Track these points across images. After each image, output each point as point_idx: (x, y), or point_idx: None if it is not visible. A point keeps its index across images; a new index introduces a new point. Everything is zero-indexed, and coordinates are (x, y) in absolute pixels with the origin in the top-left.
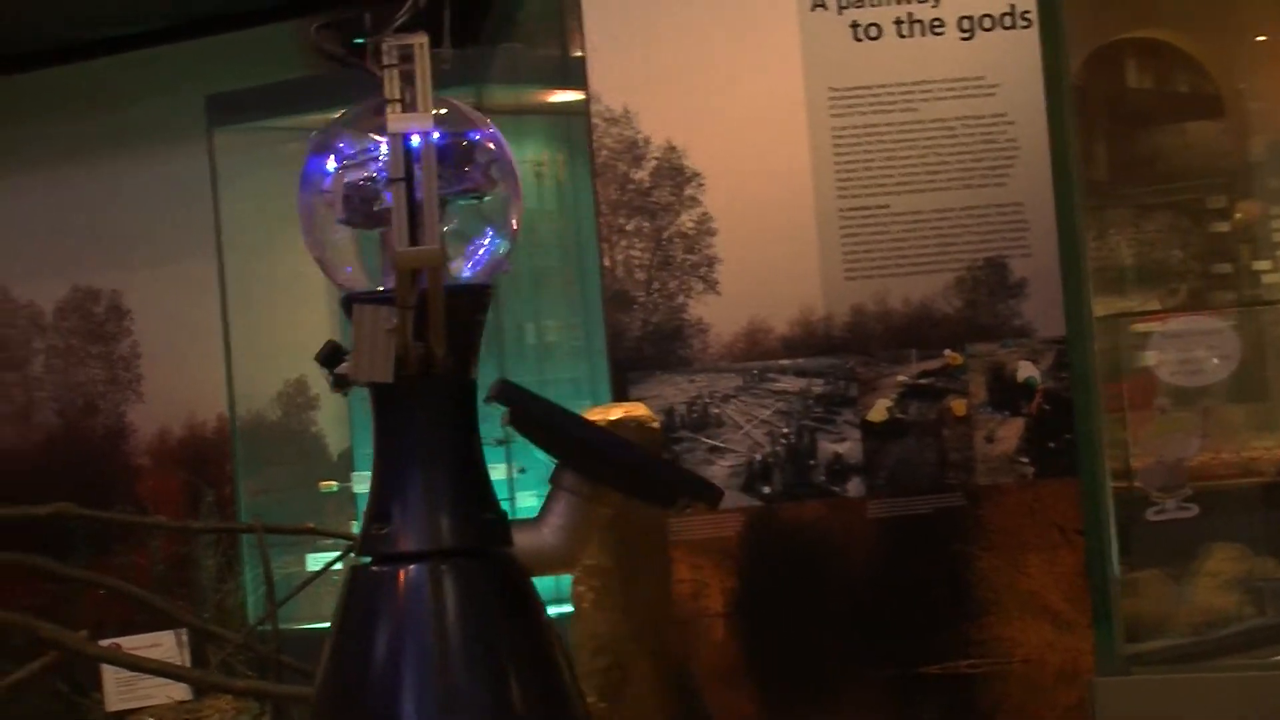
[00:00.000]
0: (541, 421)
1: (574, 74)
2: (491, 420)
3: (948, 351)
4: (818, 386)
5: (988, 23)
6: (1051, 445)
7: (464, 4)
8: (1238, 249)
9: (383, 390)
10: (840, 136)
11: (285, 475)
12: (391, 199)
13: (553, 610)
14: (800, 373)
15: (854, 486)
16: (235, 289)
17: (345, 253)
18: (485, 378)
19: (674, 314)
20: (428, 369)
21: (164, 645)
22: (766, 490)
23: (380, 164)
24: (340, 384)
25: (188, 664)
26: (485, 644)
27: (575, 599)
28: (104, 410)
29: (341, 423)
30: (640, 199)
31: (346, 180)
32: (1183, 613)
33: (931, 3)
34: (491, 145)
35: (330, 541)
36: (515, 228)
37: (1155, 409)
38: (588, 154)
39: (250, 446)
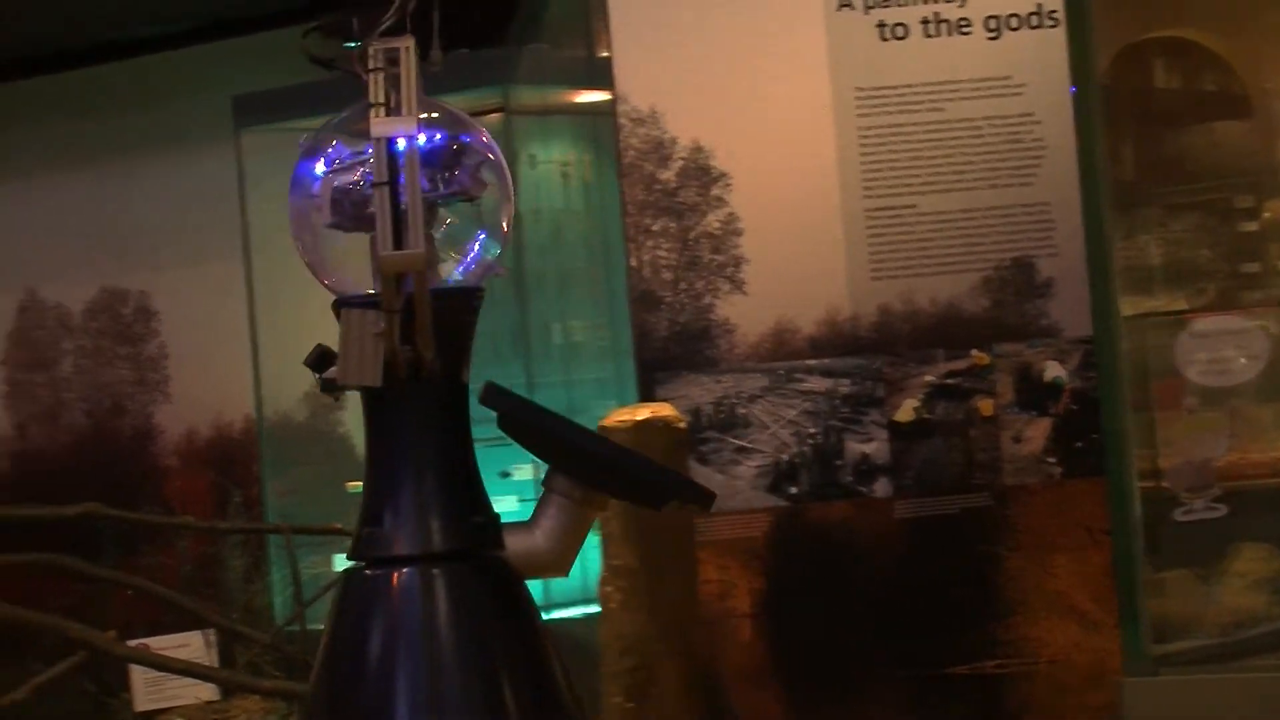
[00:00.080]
0: (530, 425)
1: (601, 74)
2: (489, 422)
3: (975, 351)
4: (844, 387)
5: (1014, 22)
6: (1079, 445)
7: (490, 5)
8: (1266, 248)
9: (372, 394)
10: (866, 136)
11: (312, 476)
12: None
13: (580, 611)
14: (827, 373)
15: (881, 487)
16: (262, 290)
17: (335, 257)
18: (512, 378)
19: (701, 314)
20: (416, 372)
21: (192, 645)
22: (793, 490)
23: (369, 168)
24: (328, 388)
25: (215, 664)
26: (477, 647)
27: (602, 599)
28: (132, 411)
29: None
30: (667, 199)
31: (336, 184)
32: (1211, 613)
33: (958, 2)
34: (482, 148)
35: None
36: (507, 230)
37: (1183, 409)
38: (614, 154)
39: (277, 447)
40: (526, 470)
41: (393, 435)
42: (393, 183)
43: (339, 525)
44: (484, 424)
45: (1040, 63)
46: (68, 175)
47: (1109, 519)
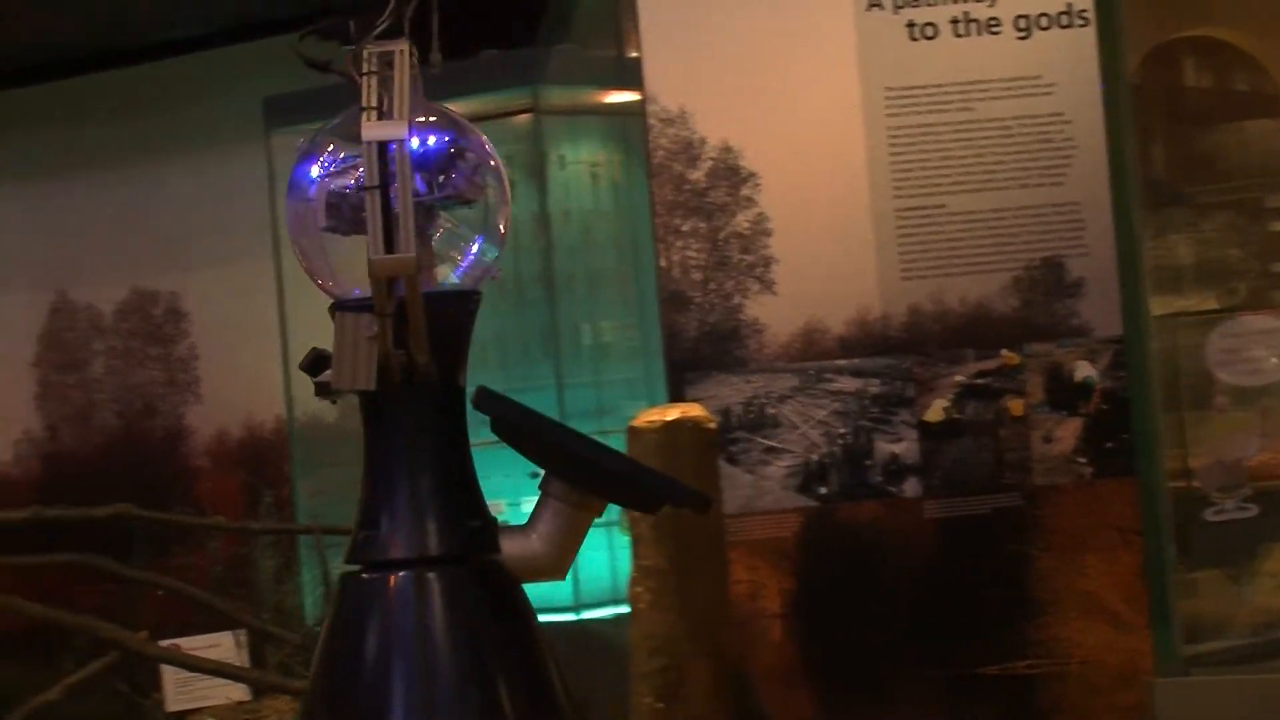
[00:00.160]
0: (523, 430)
1: (630, 75)
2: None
3: (1005, 351)
4: (874, 387)
5: (1044, 21)
6: (1109, 445)
7: (520, 6)
8: None
9: (368, 398)
10: (896, 136)
11: (342, 476)
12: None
13: (610, 611)
14: (857, 373)
15: (911, 487)
16: (292, 290)
17: (331, 260)
18: (541, 379)
19: (730, 314)
20: (411, 376)
21: (223, 646)
22: (823, 491)
23: (364, 172)
24: (323, 392)
25: (246, 664)
26: (473, 651)
27: (632, 600)
28: (163, 412)
29: None
30: (696, 199)
31: (331, 188)
32: (1242, 613)
33: (988, 2)
34: (479, 151)
35: None
36: (503, 233)
37: (1214, 408)
38: (644, 155)
39: (307, 447)
40: None
41: (388, 439)
42: (384, 186)
43: None
44: (484, 426)
45: (1070, 62)
46: (98, 176)
47: (1140, 519)
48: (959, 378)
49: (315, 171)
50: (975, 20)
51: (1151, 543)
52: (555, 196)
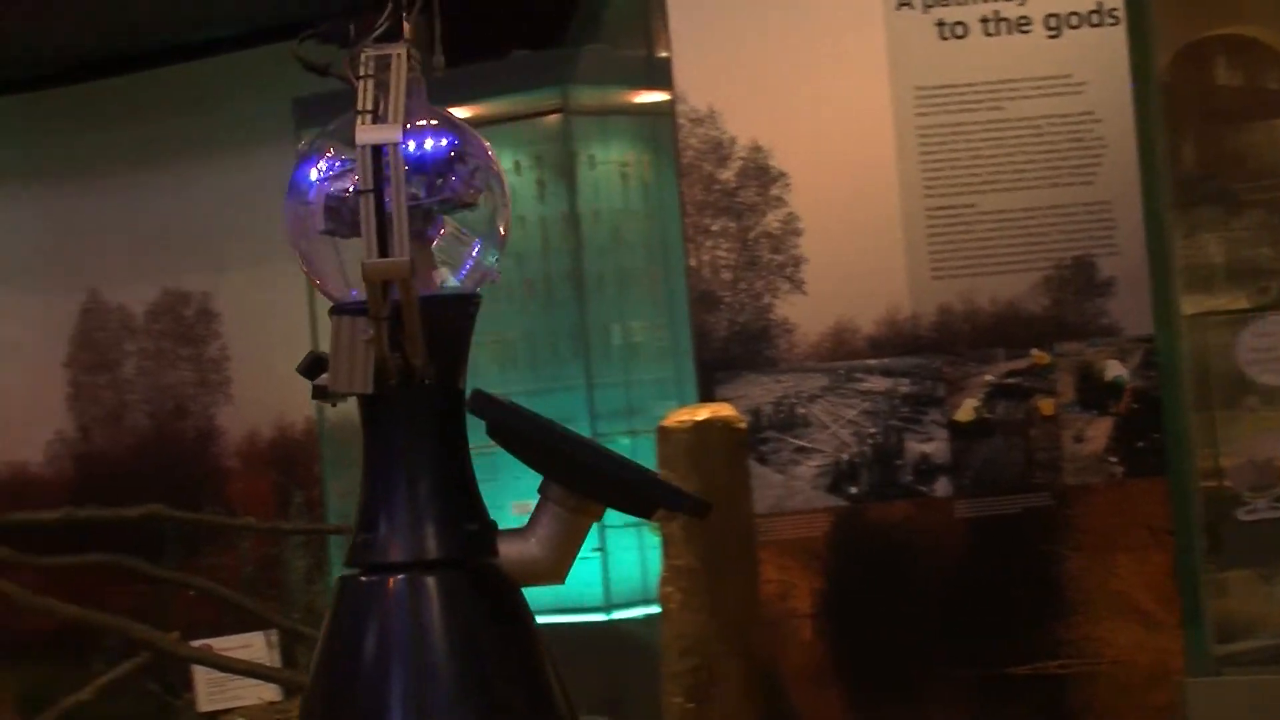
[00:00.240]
0: (520, 433)
1: (659, 74)
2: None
3: (1035, 351)
4: (904, 386)
5: (1075, 20)
6: (1140, 444)
7: (549, 6)
8: None
9: (366, 401)
10: (926, 135)
11: None
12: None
13: (641, 611)
14: (887, 372)
15: (941, 486)
16: None
17: (331, 263)
18: (571, 379)
19: (760, 314)
20: (408, 379)
21: (254, 646)
22: (853, 490)
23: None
24: (320, 395)
25: (278, 665)
26: (470, 655)
27: (663, 600)
28: (194, 412)
29: None
30: (726, 199)
31: (331, 190)
32: (1274, 613)
33: (1018, 1)
34: (479, 155)
35: None
36: (503, 236)
37: (1245, 408)
38: (673, 154)
39: (338, 448)
40: None
41: (386, 442)
42: (378, 190)
43: None
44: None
45: (1100, 61)
46: (129, 177)
47: (1171, 519)
48: (989, 377)
49: (314, 174)
50: (1005, 19)
51: (1183, 542)
52: (585, 196)
